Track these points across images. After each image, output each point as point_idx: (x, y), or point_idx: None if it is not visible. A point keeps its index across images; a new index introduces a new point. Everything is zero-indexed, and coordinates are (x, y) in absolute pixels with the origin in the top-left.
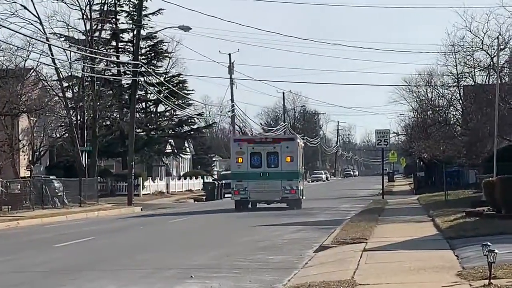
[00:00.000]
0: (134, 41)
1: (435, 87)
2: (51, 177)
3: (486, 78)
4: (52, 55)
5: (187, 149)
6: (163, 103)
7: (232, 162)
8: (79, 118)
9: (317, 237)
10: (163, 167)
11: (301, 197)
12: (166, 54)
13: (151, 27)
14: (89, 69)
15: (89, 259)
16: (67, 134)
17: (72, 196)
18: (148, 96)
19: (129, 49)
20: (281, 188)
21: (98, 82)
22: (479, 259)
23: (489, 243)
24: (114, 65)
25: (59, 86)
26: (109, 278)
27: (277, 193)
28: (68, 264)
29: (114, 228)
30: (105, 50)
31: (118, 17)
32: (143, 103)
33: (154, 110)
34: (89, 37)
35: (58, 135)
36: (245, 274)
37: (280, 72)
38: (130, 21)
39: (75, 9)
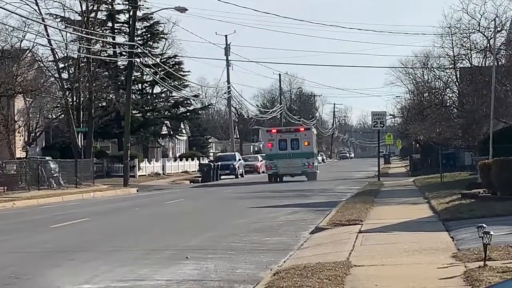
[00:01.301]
0: (130, 22)
1: (432, 69)
2: (47, 158)
3: (482, 60)
4: (48, 36)
5: (183, 130)
6: (159, 84)
7: (265, 146)
8: (75, 99)
9: (313, 218)
10: (159, 149)
11: (316, 171)
12: (162, 35)
13: (147, 8)
14: (85, 50)
15: (85, 240)
16: (63, 115)
17: (68, 177)
18: (144, 78)
19: (125, 30)
20: (301, 164)
21: (94, 63)
22: (475, 241)
23: (484, 225)
24: (110, 46)
25: (55, 67)
26: (105, 259)
27: (299, 168)
28: (64, 245)
29: (110, 209)
30: (101, 31)
31: None
32: (139, 85)
33: (150, 92)
34: (85, 18)
35: (54, 116)
36: (241, 255)
37: (277, 54)
38: (126, 2)
39: None
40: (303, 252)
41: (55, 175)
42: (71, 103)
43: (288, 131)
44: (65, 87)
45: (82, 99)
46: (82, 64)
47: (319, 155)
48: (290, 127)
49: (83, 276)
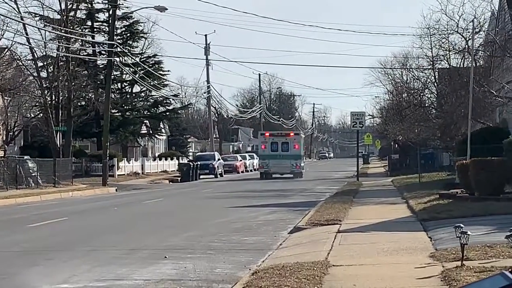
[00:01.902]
0: (110, 21)
1: (411, 69)
2: (25, 157)
3: (461, 61)
4: (27, 35)
5: (163, 130)
6: (138, 83)
7: (259, 148)
8: (53, 98)
9: (292, 218)
10: (138, 148)
11: (302, 170)
12: (142, 35)
13: (127, 7)
14: (64, 49)
15: (63, 240)
16: (41, 114)
17: (46, 176)
18: (124, 77)
19: (104, 29)
20: (290, 165)
21: (73, 62)
22: (452, 241)
23: (462, 225)
24: (90, 45)
25: (34, 66)
26: (83, 259)
27: (288, 168)
28: (42, 244)
29: (88, 208)
30: (80, 30)
31: None
32: (119, 84)
33: (130, 91)
34: (64, 17)
35: (32, 115)
36: (219, 254)
37: (257, 54)
38: (106, 1)
39: None
40: (282, 252)
41: (33, 174)
42: (49, 102)
43: (279, 135)
44: (44, 86)
45: (61, 98)
46: (61, 63)
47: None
48: (281, 131)
49: (61, 276)
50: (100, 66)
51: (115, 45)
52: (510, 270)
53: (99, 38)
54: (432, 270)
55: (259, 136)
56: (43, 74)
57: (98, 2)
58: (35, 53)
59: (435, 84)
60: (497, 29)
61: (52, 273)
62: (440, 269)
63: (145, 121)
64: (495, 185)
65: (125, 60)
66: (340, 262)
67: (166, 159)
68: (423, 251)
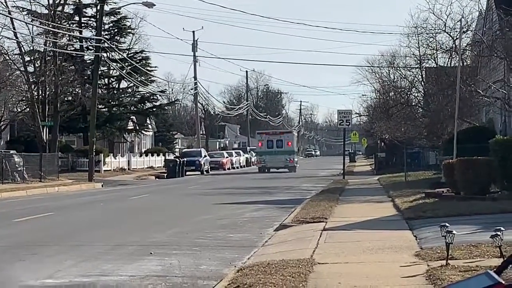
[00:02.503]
0: (97, 17)
1: (398, 68)
2: (11, 151)
3: (448, 61)
4: (14, 29)
5: (149, 126)
6: (125, 79)
7: (257, 145)
8: (40, 93)
9: (278, 216)
10: (124, 144)
11: (296, 165)
12: (130, 30)
13: (115, 3)
14: (51, 44)
15: (49, 235)
16: (28, 109)
17: (32, 171)
18: (111, 72)
19: (92, 25)
20: (284, 159)
21: (61, 57)
22: (437, 240)
23: (447, 224)
24: (77, 40)
25: (21, 60)
26: (69, 254)
27: (282, 162)
28: (28, 239)
29: (74, 204)
30: (67, 25)
31: None
32: (106, 79)
33: (117, 86)
34: (52, 11)
35: (19, 110)
36: (205, 251)
37: (244, 51)
38: None
39: None
40: (267, 249)
41: (19, 169)
42: (36, 96)
43: (274, 134)
44: (31, 80)
45: (47, 93)
46: (48, 58)
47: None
48: (276, 130)
49: (46, 271)
50: (87, 61)
51: (103, 41)
52: (494, 270)
53: (86, 33)
54: (417, 269)
55: (256, 135)
56: (30, 68)
57: None
58: (22, 48)
59: (422, 83)
60: (484, 28)
61: (37, 268)
62: (425, 268)
63: (131, 117)
64: (481, 185)
65: (112, 56)
66: (326, 260)
67: (152, 155)
68: (408, 249)
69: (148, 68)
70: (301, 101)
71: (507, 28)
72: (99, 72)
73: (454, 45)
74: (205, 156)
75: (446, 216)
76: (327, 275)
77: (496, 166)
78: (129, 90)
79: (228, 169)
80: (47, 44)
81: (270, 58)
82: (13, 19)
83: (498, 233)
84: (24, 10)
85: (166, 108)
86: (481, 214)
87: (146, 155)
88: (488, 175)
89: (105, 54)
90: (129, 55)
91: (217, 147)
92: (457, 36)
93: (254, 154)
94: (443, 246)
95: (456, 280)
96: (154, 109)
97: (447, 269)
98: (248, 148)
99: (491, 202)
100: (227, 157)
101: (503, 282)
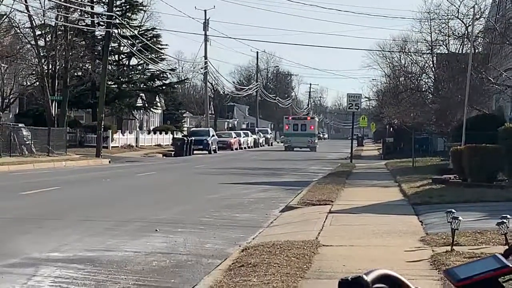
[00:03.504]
0: None
1: (409, 53)
2: (20, 125)
3: (459, 47)
4: (26, 2)
5: (158, 104)
6: (136, 56)
7: (284, 128)
8: (50, 67)
9: (284, 197)
10: (133, 121)
11: (316, 145)
12: (141, 7)
13: None
14: (62, 18)
15: (55, 209)
16: (37, 83)
17: (40, 145)
18: (121, 49)
19: (104, 0)
20: (307, 140)
21: (71, 32)
22: (443, 226)
23: (453, 210)
24: (88, 15)
25: (32, 34)
26: (74, 228)
27: (305, 143)
28: (34, 212)
29: (81, 179)
30: (79, 0)
31: None
32: (116, 56)
33: (127, 63)
34: None
35: (28, 83)
36: (210, 230)
37: (255, 31)
38: None
39: None
40: (273, 230)
41: (27, 142)
42: (46, 71)
43: (299, 118)
44: (41, 54)
45: (57, 67)
46: (59, 32)
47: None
48: (301, 115)
49: (51, 244)
50: (98, 37)
51: (114, 17)
52: (502, 253)
53: (98, 8)
54: (421, 254)
55: (284, 119)
56: (41, 42)
57: None
58: (33, 21)
59: (433, 69)
60: (497, 16)
61: (42, 241)
62: (430, 253)
63: (141, 94)
64: (488, 172)
65: (123, 32)
66: (330, 242)
67: (160, 133)
68: (413, 234)
69: (159, 46)
70: (310, 84)
71: None
72: (110, 48)
73: (466, 32)
74: (213, 135)
75: (453, 203)
76: (332, 257)
77: (504, 154)
78: (139, 67)
79: (236, 149)
80: (59, 19)
81: (281, 39)
82: None
83: (504, 220)
84: None
85: (175, 86)
86: (488, 201)
87: (154, 133)
88: (496, 162)
89: (116, 31)
90: (140, 32)
91: (226, 127)
92: (470, 23)
93: (261, 135)
94: (449, 232)
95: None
96: (164, 87)
97: (451, 255)
98: (256, 129)
99: (498, 190)
100: (235, 138)
101: (511, 265)
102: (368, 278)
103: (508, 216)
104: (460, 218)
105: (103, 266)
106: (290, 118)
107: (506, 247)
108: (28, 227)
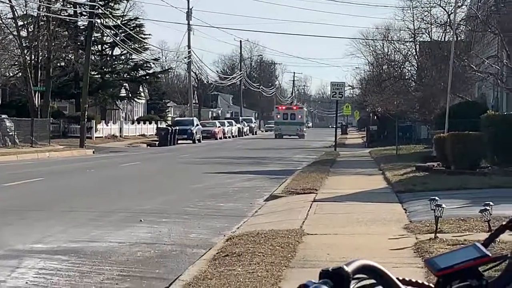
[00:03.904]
0: None
1: (392, 41)
2: (3, 116)
3: (442, 35)
4: None
5: (142, 93)
6: (119, 46)
7: (275, 117)
8: (33, 57)
9: (268, 186)
10: (117, 111)
11: (304, 133)
12: None
13: None
14: (45, 9)
15: (38, 200)
16: (20, 74)
17: (23, 136)
18: (104, 39)
19: None
20: (295, 129)
21: (54, 22)
22: (427, 213)
23: (436, 198)
24: (71, 5)
25: (14, 25)
26: (58, 219)
27: (294, 131)
28: (17, 203)
29: (65, 170)
30: None
31: None
32: (99, 46)
33: (110, 53)
34: None
35: (11, 74)
36: (195, 220)
37: (239, 20)
38: None
39: None
40: (257, 219)
41: (10, 133)
42: (29, 61)
43: (288, 108)
44: (24, 45)
45: (40, 58)
46: (42, 23)
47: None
48: (290, 106)
49: (35, 236)
50: (81, 27)
51: (97, 7)
52: (482, 242)
53: None
54: (405, 242)
55: (274, 109)
56: (23, 33)
57: None
58: (15, 12)
59: (416, 57)
60: (479, 3)
61: (25, 233)
62: (414, 240)
63: (124, 84)
64: (471, 159)
65: (106, 22)
66: (315, 231)
67: (144, 123)
68: (397, 222)
69: (142, 36)
70: (294, 73)
71: (501, 4)
72: (93, 38)
73: (448, 20)
74: (197, 125)
75: (436, 190)
76: (316, 245)
77: (487, 141)
78: (123, 57)
79: (220, 138)
80: (41, 9)
81: (264, 28)
82: None
83: (487, 207)
84: None
85: (159, 76)
86: (471, 188)
87: (138, 123)
88: (478, 150)
89: (98, 21)
90: (123, 22)
91: (210, 117)
92: (452, 11)
93: (246, 124)
94: (432, 220)
95: (441, 253)
96: (147, 77)
97: (435, 242)
98: (240, 118)
99: (481, 177)
100: (219, 127)
101: (490, 254)
102: (349, 269)
103: (491, 203)
104: (443, 205)
105: (87, 257)
106: (280, 108)
107: (490, 233)
108: (11, 218)
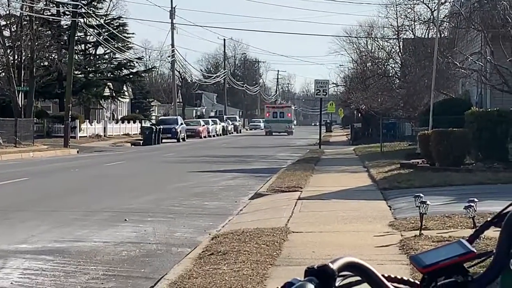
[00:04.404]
0: None
1: (376, 39)
2: None
3: (425, 32)
4: None
5: (126, 93)
6: (102, 45)
7: (265, 116)
8: (16, 57)
9: (253, 184)
10: (101, 110)
11: (292, 130)
12: None
13: None
14: (27, 8)
15: (23, 200)
16: (3, 73)
17: (7, 136)
18: (88, 38)
19: None
20: (285, 126)
21: (37, 22)
22: (411, 210)
23: (421, 195)
24: (54, 5)
25: None
26: (42, 219)
27: (283, 128)
28: (1, 204)
29: (49, 169)
30: None
31: None
32: (82, 45)
33: (93, 53)
34: None
35: None
36: (180, 219)
37: (222, 19)
38: None
39: None
40: (242, 218)
41: None
42: (12, 61)
43: (278, 107)
44: (7, 45)
45: (23, 57)
46: (25, 23)
47: (263, 122)
48: (279, 105)
49: (20, 236)
50: (64, 27)
51: (80, 6)
52: (467, 238)
53: None
54: (391, 239)
55: (265, 108)
56: (6, 33)
57: None
58: None
59: (400, 54)
60: (462, 0)
61: (10, 233)
62: (399, 237)
63: (108, 84)
64: (456, 156)
65: (89, 22)
66: (300, 228)
67: (128, 122)
68: (382, 219)
69: (125, 35)
70: (278, 71)
71: (485, 0)
72: (76, 37)
73: (432, 17)
74: (181, 124)
75: (421, 187)
76: (301, 243)
77: (471, 138)
78: (106, 56)
79: (205, 137)
80: (24, 9)
81: (248, 26)
82: None
83: (472, 204)
84: None
85: (143, 75)
86: (455, 185)
87: (123, 122)
88: (463, 146)
89: (82, 20)
90: (106, 21)
91: (194, 115)
92: (435, 8)
93: (230, 123)
94: (417, 217)
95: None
96: (131, 76)
97: (420, 239)
98: (225, 116)
99: (465, 174)
100: (203, 125)
101: (475, 251)
102: (335, 266)
103: (475, 200)
104: (428, 202)
105: (72, 257)
106: (270, 107)
107: (474, 230)
108: None
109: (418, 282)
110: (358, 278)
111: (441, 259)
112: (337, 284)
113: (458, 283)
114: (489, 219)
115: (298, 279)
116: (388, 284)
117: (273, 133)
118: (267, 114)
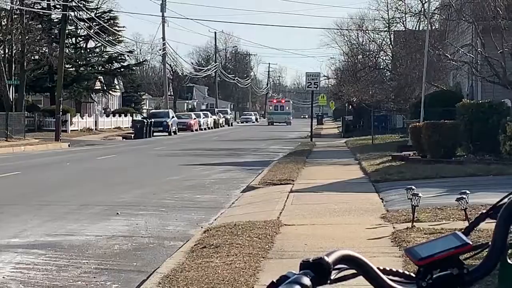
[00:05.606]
0: None
1: (367, 31)
2: None
3: (416, 24)
4: None
5: (117, 86)
6: (93, 39)
7: (268, 108)
8: (7, 51)
9: (245, 177)
10: (92, 104)
11: (291, 121)
12: None
13: None
14: (18, 2)
15: (15, 194)
16: None
17: None
18: (78, 32)
19: None
20: (284, 118)
21: (27, 16)
22: (403, 203)
23: (413, 187)
24: None
25: None
26: (35, 213)
27: (283, 119)
28: None
29: (41, 163)
30: None
31: None
32: (73, 39)
33: (84, 46)
34: None
35: None
36: (172, 212)
37: (213, 12)
38: None
39: None
40: (234, 211)
41: None
42: (3, 55)
43: (279, 101)
44: None
45: (14, 51)
46: (15, 16)
47: (254, 115)
48: (280, 99)
49: (11, 230)
50: (55, 20)
51: None
52: (463, 231)
53: None
54: (383, 231)
55: (268, 102)
56: None
57: None
58: None
59: (391, 47)
60: None
61: (2, 227)
62: (391, 230)
63: (99, 77)
64: (447, 148)
65: (80, 15)
66: (292, 221)
67: (120, 116)
68: (374, 212)
69: (116, 28)
70: (269, 63)
71: None
72: (67, 31)
73: (422, 9)
74: (172, 117)
75: (412, 179)
76: (294, 236)
77: (462, 130)
78: (97, 50)
79: (196, 130)
80: (14, 2)
81: (239, 19)
82: None
83: (464, 196)
84: None
85: (134, 68)
86: (447, 177)
87: (114, 116)
88: (454, 138)
89: (72, 13)
90: (97, 15)
91: (185, 109)
92: (426, 0)
93: (221, 116)
94: (409, 209)
95: (421, 242)
96: (122, 70)
97: (412, 231)
98: (216, 109)
99: (457, 166)
100: (194, 119)
101: (471, 243)
102: (330, 259)
103: (467, 192)
104: (420, 194)
105: (65, 251)
106: (272, 101)
107: (466, 222)
108: None
109: (413, 275)
110: (354, 271)
111: (437, 251)
112: (332, 277)
113: (454, 276)
114: (484, 211)
115: (293, 272)
116: (384, 276)
117: (274, 123)
118: (270, 107)
